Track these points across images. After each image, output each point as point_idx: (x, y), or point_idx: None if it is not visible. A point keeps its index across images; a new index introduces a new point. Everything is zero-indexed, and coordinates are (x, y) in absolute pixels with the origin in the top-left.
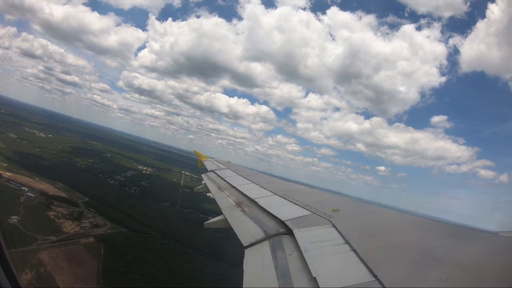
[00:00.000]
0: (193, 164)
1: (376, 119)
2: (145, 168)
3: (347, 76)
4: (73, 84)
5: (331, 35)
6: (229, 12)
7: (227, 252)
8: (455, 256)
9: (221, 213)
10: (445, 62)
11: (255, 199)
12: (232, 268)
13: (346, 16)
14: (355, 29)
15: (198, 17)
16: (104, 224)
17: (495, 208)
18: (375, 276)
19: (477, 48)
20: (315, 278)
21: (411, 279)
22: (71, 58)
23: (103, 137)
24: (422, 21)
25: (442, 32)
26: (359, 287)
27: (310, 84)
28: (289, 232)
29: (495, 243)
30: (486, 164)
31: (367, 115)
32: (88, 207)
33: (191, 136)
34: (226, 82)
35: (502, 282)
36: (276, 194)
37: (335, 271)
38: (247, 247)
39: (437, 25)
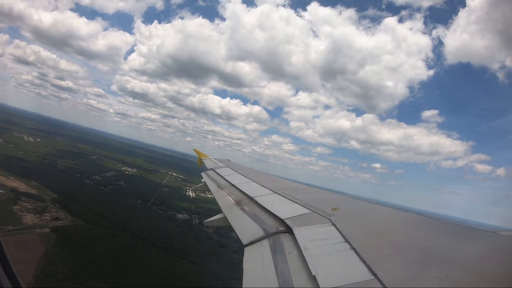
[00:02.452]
0: (185, 165)
1: (367, 116)
2: (129, 169)
3: (332, 72)
4: (68, 90)
5: (313, 31)
6: (211, 13)
7: (181, 245)
8: (455, 255)
9: (190, 210)
10: (430, 54)
11: (254, 198)
12: (177, 260)
13: (326, 12)
14: (337, 24)
15: (182, 18)
16: (65, 217)
17: (495, 202)
18: (374, 274)
19: (460, 38)
20: (314, 276)
21: (411, 277)
22: (63, 64)
23: (96, 141)
24: (403, 13)
25: (425, 23)
26: (359, 286)
27: (297, 82)
28: (289, 230)
29: (494, 242)
30: (481, 158)
31: (359, 112)
32: (54, 202)
33: (188, 139)
34: (214, 82)
35: (501, 281)
36: (275, 192)
37: (335, 269)
38: (246, 245)
39: (418, 16)
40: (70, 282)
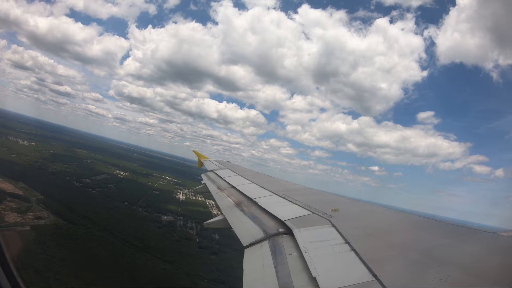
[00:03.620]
0: (181, 169)
1: (364, 118)
2: (121, 172)
3: (325, 74)
4: (66, 95)
5: (305, 34)
6: (204, 17)
7: (159, 246)
8: (455, 256)
9: (176, 213)
10: (423, 55)
11: (254, 199)
12: (152, 259)
13: (317, 14)
14: (328, 26)
15: (175, 23)
16: (47, 217)
17: (495, 204)
18: (375, 275)
19: (451, 37)
20: (315, 278)
21: (411, 278)
22: (61, 69)
23: (93, 145)
24: (394, 13)
25: (416, 23)
26: (359, 287)
27: (291, 85)
28: (289, 232)
29: (494, 243)
30: (480, 159)
31: (354, 114)
32: (39, 203)
33: (187, 143)
34: (210, 87)
35: (502, 282)
36: (275, 194)
37: (335, 271)
38: (246, 247)
39: (409, 16)
40: (39, 275)
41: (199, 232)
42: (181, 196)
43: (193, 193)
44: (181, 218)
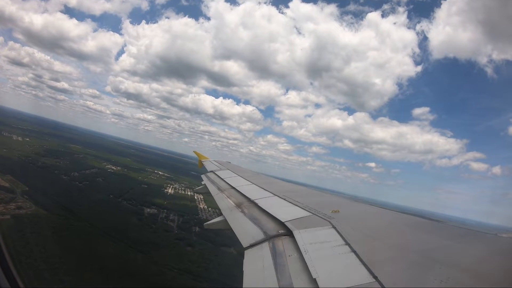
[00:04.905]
0: (177, 165)
1: (359, 114)
2: (113, 167)
3: (317, 70)
4: (64, 91)
5: (297, 29)
6: (195, 12)
7: (135, 236)
8: (455, 257)
9: (161, 206)
10: (417, 50)
11: (255, 200)
12: (125, 249)
13: (308, 8)
14: (319, 21)
15: (167, 18)
16: (29, 207)
17: (493, 201)
18: (375, 277)
19: (444, 31)
20: (315, 279)
21: (411, 280)
22: (57, 65)
23: (90, 141)
24: (386, 7)
25: (408, 17)
26: None
27: (285, 81)
28: (289, 233)
29: (495, 244)
30: (476, 156)
31: (350, 110)
32: (23, 194)
33: (186, 140)
34: (204, 82)
35: (502, 283)
36: (276, 195)
37: (335, 272)
38: (247, 248)
39: (401, 10)
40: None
41: (180, 225)
42: (170, 190)
43: (183, 187)
44: (165, 211)
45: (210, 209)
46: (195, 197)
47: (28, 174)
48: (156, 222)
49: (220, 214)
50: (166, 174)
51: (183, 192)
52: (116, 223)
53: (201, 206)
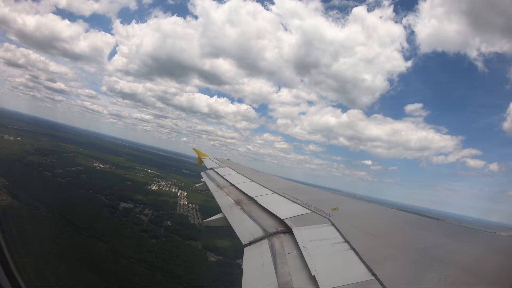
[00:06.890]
0: (170, 163)
1: (353, 111)
2: (101, 165)
3: (305, 66)
4: (61, 92)
5: (283, 25)
6: (182, 10)
7: (102, 228)
8: (455, 255)
9: (138, 201)
10: (405, 44)
11: (254, 198)
12: (89, 239)
13: (293, 3)
14: (305, 16)
15: (156, 17)
16: (5, 199)
17: (491, 199)
18: (374, 275)
19: (429, 24)
20: (314, 276)
21: (410, 277)
22: (53, 66)
23: (85, 141)
24: (370, 0)
25: (395, 11)
26: (359, 286)
27: (275, 78)
28: (289, 230)
29: (494, 242)
30: (473, 153)
31: (344, 108)
32: (2, 188)
33: (184, 139)
34: (196, 81)
35: (501, 281)
36: (275, 192)
37: (335, 269)
38: (246, 245)
39: (386, 3)
40: None
41: (152, 219)
42: (153, 187)
43: (169, 185)
44: (141, 205)
45: (190, 205)
46: (178, 194)
47: (11, 170)
48: (128, 216)
49: (218, 212)
50: (155, 172)
51: (167, 189)
52: (86, 215)
53: (181, 203)
